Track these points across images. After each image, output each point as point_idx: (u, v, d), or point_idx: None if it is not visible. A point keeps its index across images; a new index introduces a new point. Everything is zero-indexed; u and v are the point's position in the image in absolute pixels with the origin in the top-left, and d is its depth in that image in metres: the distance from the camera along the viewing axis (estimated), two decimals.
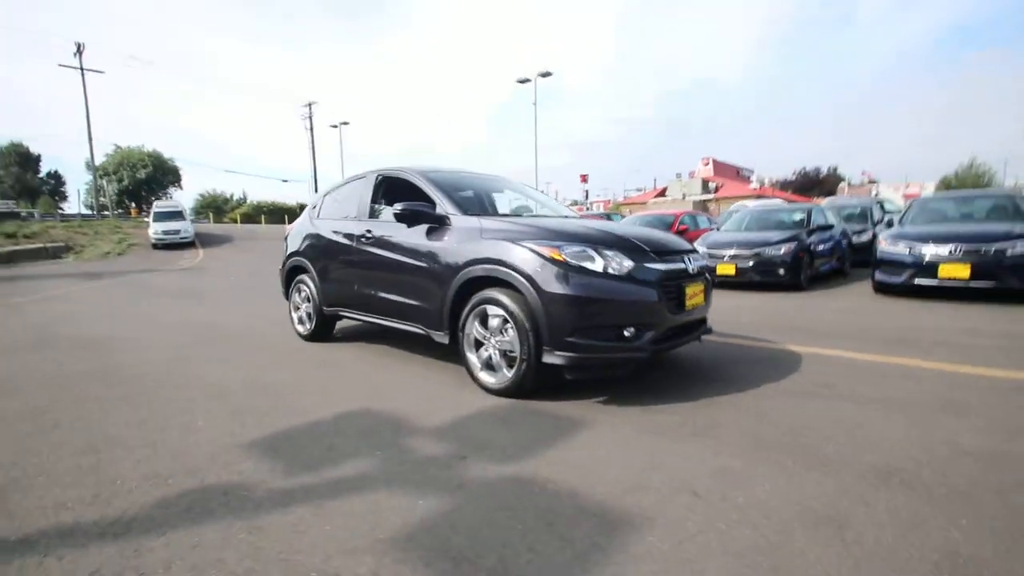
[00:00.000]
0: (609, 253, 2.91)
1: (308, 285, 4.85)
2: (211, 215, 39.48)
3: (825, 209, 9.70)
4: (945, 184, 51.16)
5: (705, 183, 40.42)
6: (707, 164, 44.79)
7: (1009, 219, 6.71)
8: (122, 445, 2.56)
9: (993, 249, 5.93)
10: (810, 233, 8.30)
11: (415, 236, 3.69)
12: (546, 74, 22.05)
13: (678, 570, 1.51)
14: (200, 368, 4.07)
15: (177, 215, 24.07)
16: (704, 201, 36.67)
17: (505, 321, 3.06)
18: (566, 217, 3.95)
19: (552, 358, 2.86)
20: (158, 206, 25.03)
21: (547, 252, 2.91)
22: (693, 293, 3.18)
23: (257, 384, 3.57)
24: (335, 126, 33.91)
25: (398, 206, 3.60)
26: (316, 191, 44.19)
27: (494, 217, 3.48)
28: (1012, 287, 5.85)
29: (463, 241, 3.35)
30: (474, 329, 3.24)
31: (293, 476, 2.18)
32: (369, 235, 4.08)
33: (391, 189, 4.40)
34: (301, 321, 5.07)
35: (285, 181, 79.69)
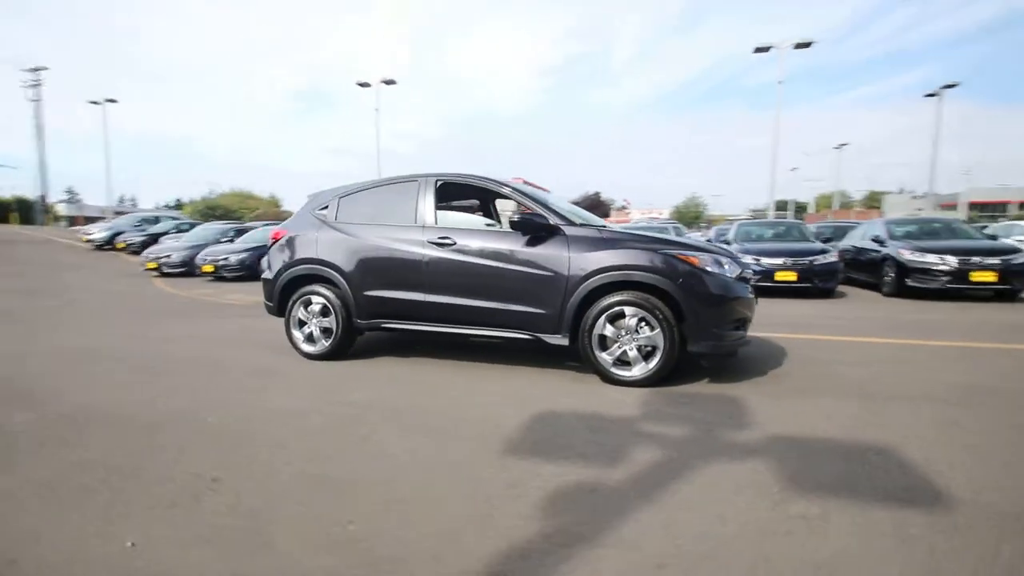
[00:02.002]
0: (724, 261, 3.62)
1: (328, 297, 4.34)
2: None
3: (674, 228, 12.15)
4: (677, 212, 66.45)
5: None
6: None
7: (806, 240, 9.71)
8: (368, 482, 2.23)
9: (808, 260, 8.56)
10: None
11: (516, 243, 3.80)
12: (390, 81, 21.63)
13: (963, 460, 2.28)
14: (248, 398, 3.39)
15: None
16: None
17: (641, 320, 3.50)
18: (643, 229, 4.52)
19: (698, 347, 3.43)
20: None
21: (688, 259, 3.47)
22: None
23: (364, 407, 3.23)
24: (96, 103, 26.75)
25: (514, 216, 3.70)
26: (43, 178, 33.98)
27: (613, 229, 3.85)
28: (819, 287, 8.53)
29: (584, 250, 3.64)
30: (605, 329, 3.57)
31: (615, 469, 2.30)
32: (447, 241, 3.98)
33: (447, 195, 4.33)
34: (311, 339, 4.46)
35: None
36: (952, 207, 39.47)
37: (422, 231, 4.10)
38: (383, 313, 4.22)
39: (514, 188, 4.05)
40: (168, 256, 13.85)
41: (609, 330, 3.57)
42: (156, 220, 22.87)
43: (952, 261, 7.90)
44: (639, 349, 3.53)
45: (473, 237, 3.98)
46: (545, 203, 3.92)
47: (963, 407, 3.08)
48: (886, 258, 8.81)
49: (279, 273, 4.57)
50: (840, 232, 12.78)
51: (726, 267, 3.61)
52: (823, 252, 8.71)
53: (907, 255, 8.31)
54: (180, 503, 2.04)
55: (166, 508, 2.00)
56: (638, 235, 3.74)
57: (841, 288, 10.22)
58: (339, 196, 4.58)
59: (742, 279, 3.70)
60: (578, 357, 3.73)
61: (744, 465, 2.32)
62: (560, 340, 3.69)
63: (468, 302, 3.93)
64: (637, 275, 3.50)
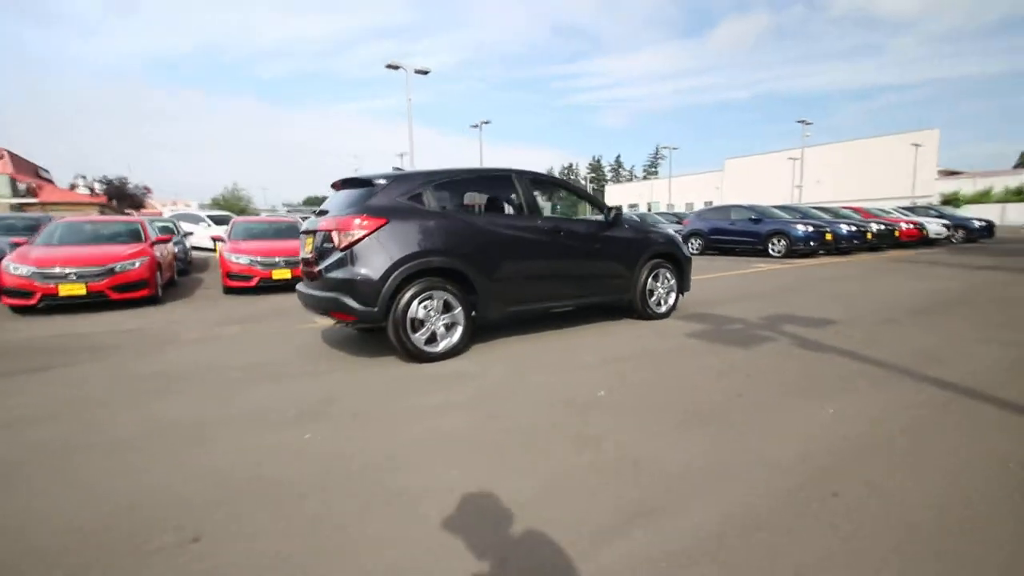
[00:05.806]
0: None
1: (451, 290, 4.13)
2: None
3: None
4: (215, 203, 61.05)
5: (14, 182, 29.06)
6: (2, 158, 31.63)
7: None
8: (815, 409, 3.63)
9: None
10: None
11: (601, 230, 5.10)
12: None
13: (928, 358, 5.77)
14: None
15: None
16: (22, 205, 27.06)
17: (666, 277, 5.62)
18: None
19: (686, 290, 5.86)
20: None
21: (676, 240, 5.80)
22: None
23: (623, 374, 4.04)
24: None
25: (613, 208, 4.98)
26: None
27: (634, 217, 5.55)
28: None
29: (638, 234, 5.36)
30: (652, 286, 5.47)
31: (797, 344, 4.54)
32: (559, 230, 4.72)
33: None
34: (432, 339, 4.08)
35: None
36: None
37: (530, 220, 4.63)
38: (518, 299, 4.49)
39: (581, 188, 5.20)
40: None
41: (652, 285, 5.50)
42: None
43: None
44: (667, 294, 5.65)
45: (572, 225, 4.94)
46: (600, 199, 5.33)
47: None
48: None
49: (391, 269, 3.82)
50: None
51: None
52: None
53: None
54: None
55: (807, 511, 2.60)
56: (645, 224, 5.77)
57: None
58: (431, 183, 4.24)
59: None
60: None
61: (815, 328, 5.04)
62: (630, 297, 5.32)
63: (575, 281, 4.90)
64: (667, 248, 5.57)
